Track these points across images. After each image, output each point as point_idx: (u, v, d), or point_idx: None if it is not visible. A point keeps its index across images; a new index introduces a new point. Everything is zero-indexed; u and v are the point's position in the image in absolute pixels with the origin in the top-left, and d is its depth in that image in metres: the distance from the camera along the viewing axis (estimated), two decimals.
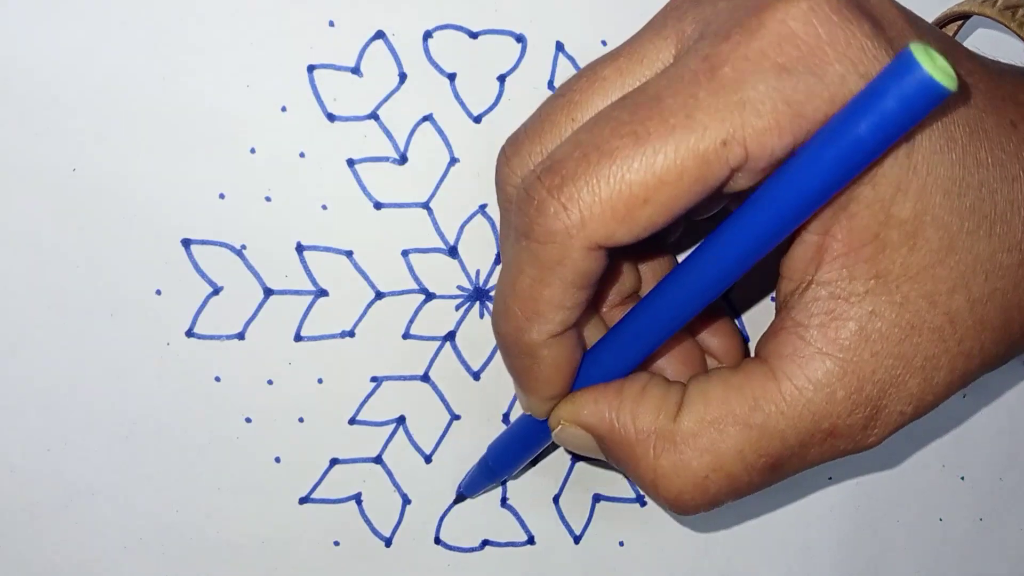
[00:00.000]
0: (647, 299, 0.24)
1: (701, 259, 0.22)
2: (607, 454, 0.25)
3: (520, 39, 0.30)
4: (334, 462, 0.31)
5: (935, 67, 0.17)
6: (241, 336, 0.30)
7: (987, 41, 0.32)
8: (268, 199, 0.29)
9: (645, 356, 0.25)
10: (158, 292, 0.29)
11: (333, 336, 0.30)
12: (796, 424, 0.22)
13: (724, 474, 0.23)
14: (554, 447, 0.31)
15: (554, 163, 0.21)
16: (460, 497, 0.31)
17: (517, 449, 0.29)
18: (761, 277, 0.32)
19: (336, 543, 0.31)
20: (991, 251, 0.22)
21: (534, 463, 0.32)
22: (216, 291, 0.29)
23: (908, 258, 0.22)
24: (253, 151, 0.29)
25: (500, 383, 0.31)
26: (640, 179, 0.20)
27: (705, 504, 0.24)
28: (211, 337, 0.29)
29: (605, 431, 0.25)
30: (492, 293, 0.31)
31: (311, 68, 0.29)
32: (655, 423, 0.24)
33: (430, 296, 0.31)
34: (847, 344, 0.22)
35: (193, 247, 0.29)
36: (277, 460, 0.30)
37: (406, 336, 0.31)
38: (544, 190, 0.21)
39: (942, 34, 0.24)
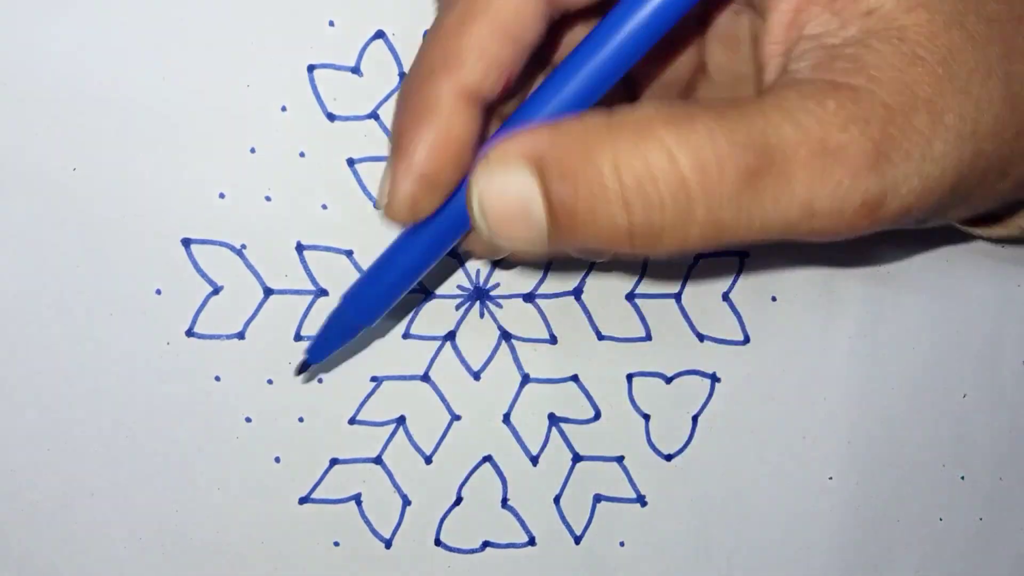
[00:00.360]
0: (589, 40, 0.21)
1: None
2: (550, 185, 0.20)
3: None
4: (334, 462, 0.31)
5: None
6: (241, 336, 0.30)
7: None
8: (268, 199, 0.29)
9: (591, 100, 0.21)
10: (158, 292, 0.29)
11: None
12: (778, 125, 0.19)
13: (695, 161, 0.19)
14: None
15: None
16: (304, 365, 0.28)
17: (386, 284, 0.25)
18: (759, 277, 0.32)
19: (336, 544, 0.31)
20: None
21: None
22: (216, 291, 0.29)
23: None
24: (253, 151, 0.29)
25: (500, 383, 0.31)
26: None
27: (675, 209, 0.19)
28: (211, 337, 0.30)
29: (546, 148, 0.19)
30: (493, 292, 0.31)
31: (311, 68, 0.29)
32: (606, 116, 0.19)
33: (430, 296, 0.31)
34: (840, 71, 0.20)
35: (193, 247, 0.29)
36: (277, 460, 0.30)
37: (406, 336, 0.31)
38: None
39: None
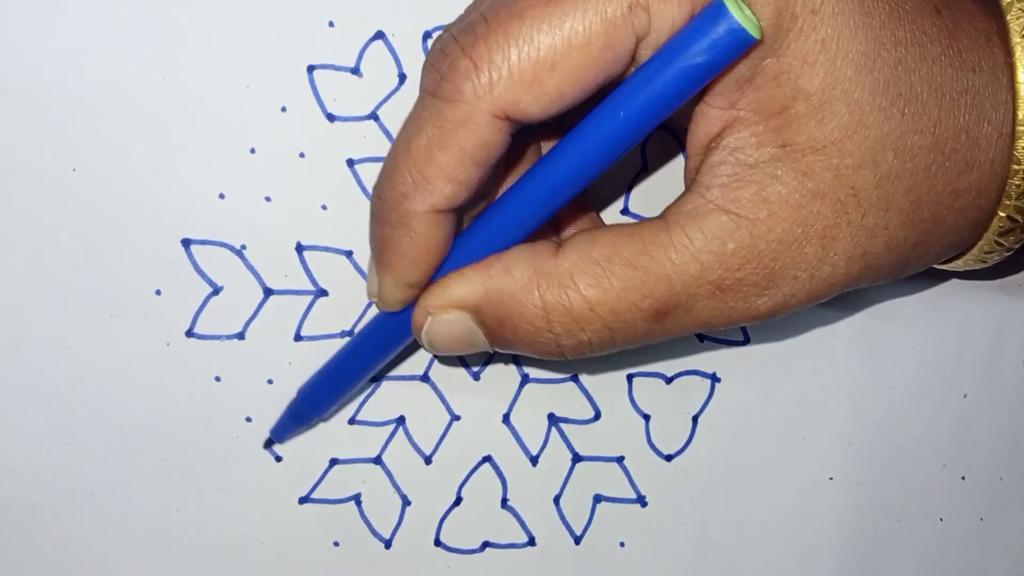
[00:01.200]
0: (520, 180, 0.24)
1: (568, 146, 0.22)
2: (488, 327, 0.24)
3: None
4: (334, 462, 0.31)
5: (743, 16, 0.19)
6: (241, 336, 0.30)
7: None
8: (268, 199, 0.29)
9: (513, 243, 0.24)
10: (158, 292, 0.29)
11: (333, 336, 0.30)
12: (683, 270, 0.22)
13: (609, 309, 0.23)
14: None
15: (469, 23, 0.22)
16: (269, 442, 0.30)
17: (335, 384, 0.29)
18: None
19: (336, 544, 0.31)
20: (903, 131, 0.22)
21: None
22: (216, 291, 0.29)
23: (816, 131, 0.21)
24: (253, 151, 0.29)
25: (500, 384, 0.31)
26: (548, 42, 0.21)
27: (596, 340, 0.23)
28: (211, 337, 0.30)
29: (480, 297, 0.24)
30: None
31: (311, 68, 0.29)
32: (534, 265, 0.23)
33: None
34: (745, 202, 0.22)
35: (193, 247, 0.29)
36: (277, 460, 0.30)
37: None
38: (458, 47, 0.21)
39: None
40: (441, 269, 0.25)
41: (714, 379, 0.32)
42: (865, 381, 0.32)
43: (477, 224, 0.25)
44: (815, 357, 0.32)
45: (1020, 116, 0.23)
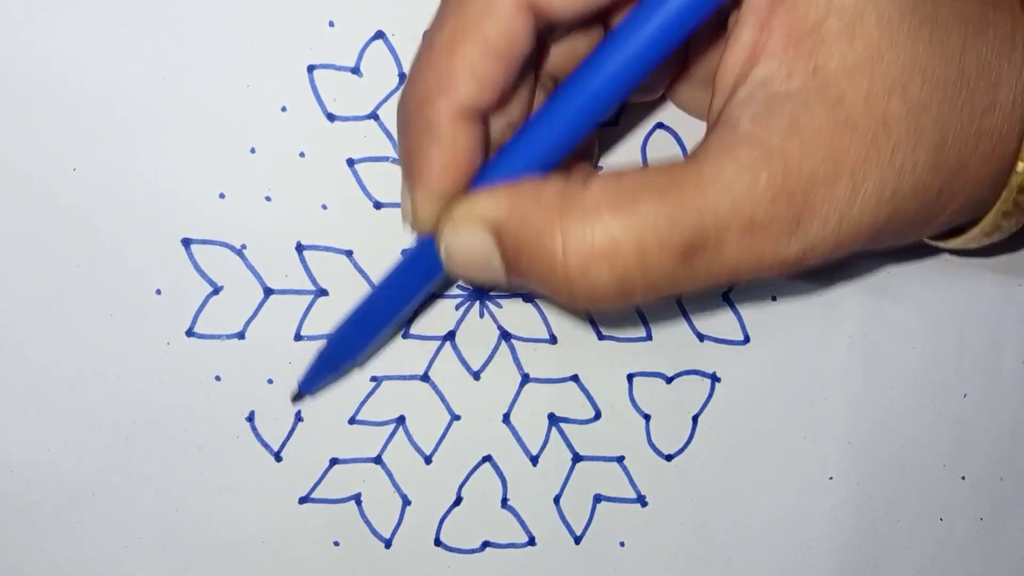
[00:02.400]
0: (552, 95, 0.23)
1: (605, 50, 0.21)
2: (506, 252, 0.22)
3: None
4: (334, 462, 0.31)
5: None
6: (241, 335, 0.30)
7: None
8: (268, 199, 0.29)
9: (550, 163, 0.23)
10: (158, 292, 0.29)
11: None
12: (715, 203, 0.21)
13: (635, 244, 0.21)
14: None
15: None
16: (299, 395, 0.30)
17: (366, 326, 0.28)
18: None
19: (336, 543, 0.31)
20: (930, 56, 0.21)
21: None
22: (216, 291, 0.29)
23: (847, 51, 0.21)
24: (253, 151, 0.29)
25: (500, 383, 0.31)
26: None
27: (614, 283, 0.22)
28: (211, 337, 0.30)
29: (504, 217, 0.22)
30: (492, 292, 0.31)
31: (311, 68, 0.29)
32: (561, 193, 0.22)
33: (431, 296, 0.31)
34: (777, 132, 0.21)
35: (193, 247, 0.29)
36: (277, 460, 0.30)
37: (406, 336, 0.31)
38: None
39: None
40: (477, 183, 0.23)
41: (714, 379, 0.32)
42: (865, 381, 0.32)
43: (517, 137, 0.23)
44: (815, 357, 0.32)
45: None
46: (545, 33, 0.23)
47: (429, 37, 0.22)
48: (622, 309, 0.23)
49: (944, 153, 0.22)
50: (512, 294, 0.31)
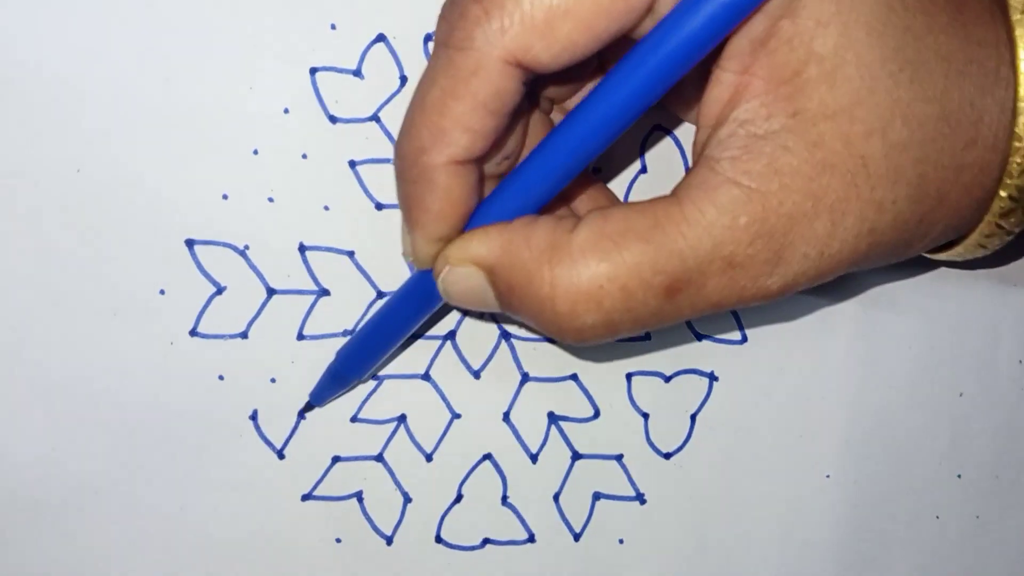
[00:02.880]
0: (545, 139, 0.24)
1: (596, 99, 0.22)
2: (498, 289, 0.24)
3: None
4: (336, 460, 0.31)
5: None
6: (244, 335, 0.30)
7: None
8: (271, 200, 0.29)
9: (541, 202, 0.24)
10: (162, 292, 0.29)
11: (335, 335, 0.30)
12: (696, 245, 0.22)
13: (620, 286, 0.22)
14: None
15: None
16: (308, 406, 0.30)
17: (372, 346, 0.29)
18: None
19: (338, 540, 0.31)
20: (911, 98, 0.22)
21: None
22: (219, 291, 0.30)
23: (827, 96, 0.21)
24: (256, 152, 0.29)
25: (500, 382, 0.31)
26: None
27: (601, 323, 0.23)
28: (215, 336, 0.30)
29: (495, 258, 0.23)
30: None
31: (313, 71, 0.29)
32: (550, 238, 0.23)
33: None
34: (756, 174, 0.22)
35: (197, 247, 0.29)
36: (280, 458, 0.31)
37: None
38: None
39: None
40: (473, 222, 0.24)
41: (712, 378, 0.32)
42: (862, 380, 0.33)
43: (511, 178, 0.24)
44: (812, 356, 0.32)
45: (1021, 93, 0.23)
46: (535, 81, 0.24)
47: (420, 93, 0.23)
48: (610, 340, 0.24)
49: (924, 187, 0.23)
50: None
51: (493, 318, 0.31)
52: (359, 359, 0.29)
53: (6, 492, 0.30)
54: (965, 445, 0.33)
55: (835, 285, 0.32)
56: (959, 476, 0.34)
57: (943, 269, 0.32)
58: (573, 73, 0.25)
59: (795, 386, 0.32)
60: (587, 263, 0.22)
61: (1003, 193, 0.24)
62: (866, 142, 0.22)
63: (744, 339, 0.32)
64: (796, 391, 0.32)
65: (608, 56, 0.24)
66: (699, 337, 0.32)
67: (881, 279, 0.32)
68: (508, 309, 0.24)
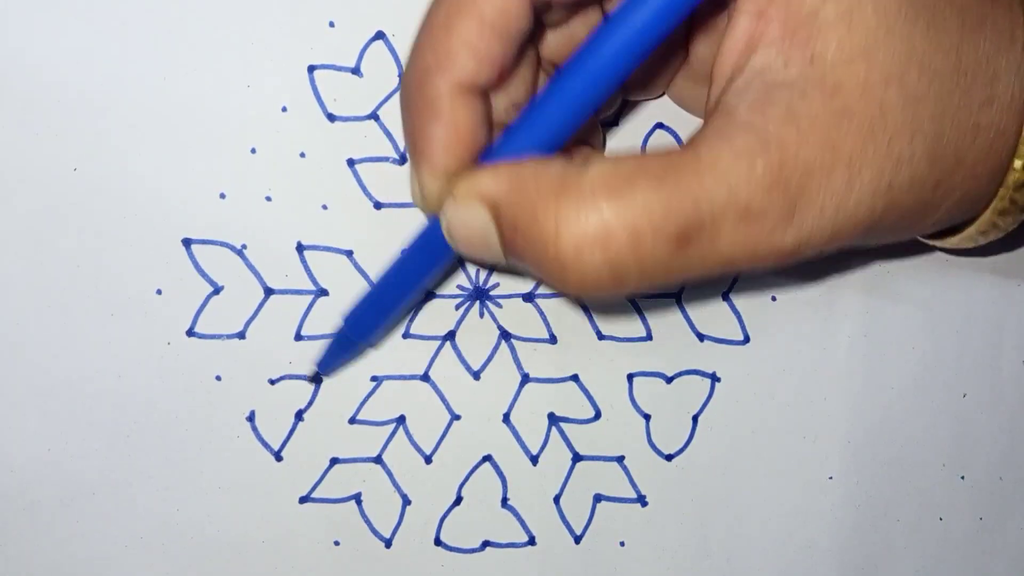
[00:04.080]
0: (555, 75, 0.23)
1: (606, 31, 0.21)
2: (503, 230, 0.22)
3: None
4: (334, 462, 0.31)
5: None
6: (242, 335, 0.30)
7: None
8: (269, 199, 0.29)
9: (555, 143, 0.23)
10: (159, 292, 0.29)
11: (334, 335, 0.30)
12: (711, 190, 0.21)
13: (629, 229, 0.21)
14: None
15: None
16: (317, 377, 0.30)
17: (381, 305, 0.28)
18: (759, 277, 0.32)
19: (336, 543, 0.31)
20: (927, 47, 0.21)
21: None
22: (217, 290, 0.29)
23: (844, 39, 0.21)
24: (254, 151, 0.29)
25: (500, 383, 0.31)
26: None
27: (607, 270, 0.21)
28: (212, 336, 0.30)
29: (503, 194, 0.22)
30: (492, 292, 0.31)
31: (311, 68, 0.29)
32: (560, 175, 0.22)
33: (430, 295, 0.31)
34: (774, 119, 0.21)
35: (194, 247, 0.29)
36: (278, 459, 0.30)
37: (406, 335, 0.31)
38: None
39: None
40: (482, 163, 0.24)
41: (714, 379, 0.32)
42: (865, 381, 0.32)
43: (521, 118, 0.23)
44: (815, 357, 0.32)
45: None
46: (542, 11, 0.23)
47: (427, 16, 0.23)
48: (615, 299, 0.23)
49: (941, 146, 0.22)
50: (511, 294, 0.31)
51: (493, 318, 0.31)
52: (368, 320, 0.28)
53: (2, 493, 0.30)
54: (969, 446, 0.33)
55: (839, 283, 0.32)
56: (963, 477, 0.34)
57: (947, 269, 0.32)
58: (578, 26, 0.24)
59: (798, 387, 0.32)
60: (596, 202, 0.21)
61: (1018, 164, 0.23)
62: (884, 89, 0.21)
63: (746, 339, 0.32)
64: (799, 392, 0.32)
65: (610, 8, 0.24)
66: (701, 337, 0.32)
67: (884, 280, 0.32)
68: (512, 254, 0.23)
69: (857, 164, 0.21)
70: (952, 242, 0.27)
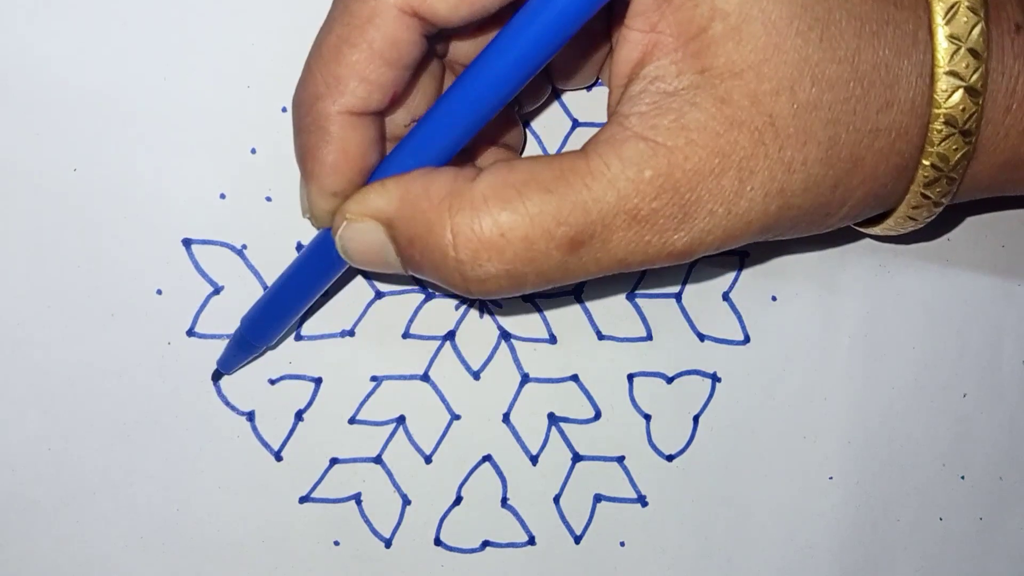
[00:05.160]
0: (446, 92, 0.23)
1: (495, 48, 0.22)
2: (399, 244, 0.23)
3: None
4: (334, 462, 0.31)
5: None
6: None
7: None
8: (269, 199, 0.29)
9: (444, 157, 0.23)
10: (159, 292, 0.29)
11: (333, 335, 0.30)
12: (600, 197, 0.22)
13: (522, 236, 0.22)
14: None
15: None
16: (217, 374, 0.30)
17: (277, 311, 0.28)
18: (759, 277, 0.32)
19: (336, 543, 0.31)
20: (820, 58, 0.22)
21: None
22: (217, 291, 0.29)
23: (733, 53, 0.21)
24: (254, 151, 0.29)
25: (500, 383, 0.31)
26: None
27: (504, 274, 0.22)
28: (212, 336, 0.30)
29: (395, 209, 0.23)
30: None
31: None
32: (450, 186, 0.22)
33: (430, 296, 0.31)
34: (663, 129, 0.22)
35: (194, 247, 0.29)
36: (278, 459, 0.30)
37: (406, 336, 0.31)
38: None
39: None
40: (373, 179, 0.24)
41: (715, 379, 0.32)
42: (865, 381, 0.32)
43: (411, 132, 0.24)
44: (815, 357, 0.32)
45: (938, 58, 0.23)
46: (436, 40, 0.23)
47: (318, 38, 0.23)
48: (516, 295, 0.23)
49: (836, 149, 0.23)
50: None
51: (493, 318, 0.31)
52: (264, 325, 0.29)
53: (3, 492, 0.30)
54: (969, 446, 0.33)
55: (839, 283, 0.32)
56: (962, 477, 0.34)
57: (947, 269, 0.32)
58: (479, 30, 0.25)
59: (798, 387, 0.32)
60: (488, 211, 0.22)
61: (926, 162, 0.24)
62: (774, 100, 0.22)
63: (747, 339, 0.32)
64: (799, 392, 0.32)
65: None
66: (701, 338, 0.32)
67: (885, 280, 0.32)
68: (410, 265, 0.24)
69: (747, 169, 0.22)
70: (875, 230, 0.28)
